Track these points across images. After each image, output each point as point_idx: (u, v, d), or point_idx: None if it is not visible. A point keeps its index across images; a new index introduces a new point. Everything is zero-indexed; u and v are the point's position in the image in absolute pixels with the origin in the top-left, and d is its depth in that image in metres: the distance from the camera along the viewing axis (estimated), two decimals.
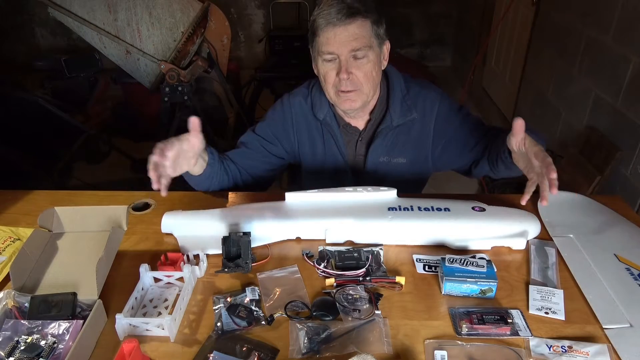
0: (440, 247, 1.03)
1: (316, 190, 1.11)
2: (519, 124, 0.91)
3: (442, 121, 1.23)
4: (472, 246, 1.02)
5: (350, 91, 1.13)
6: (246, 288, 0.91)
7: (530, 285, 0.91)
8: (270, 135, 1.29)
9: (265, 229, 1.05)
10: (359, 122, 1.26)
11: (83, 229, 1.08)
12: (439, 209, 1.06)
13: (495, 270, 0.90)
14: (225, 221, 1.06)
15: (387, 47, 1.18)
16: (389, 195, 1.10)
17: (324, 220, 1.05)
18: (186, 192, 1.26)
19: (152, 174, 0.86)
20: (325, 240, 1.05)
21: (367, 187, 1.11)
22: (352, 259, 0.97)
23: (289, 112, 1.28)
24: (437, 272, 0.95)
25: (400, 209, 1.06)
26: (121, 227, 1.07)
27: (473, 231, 1.03)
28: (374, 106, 1.24)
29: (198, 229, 1.06)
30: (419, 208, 1.07)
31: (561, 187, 1.27)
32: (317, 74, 1.19)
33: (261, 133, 1.29)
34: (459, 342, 0.79)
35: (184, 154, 0.96)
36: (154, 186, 0.86)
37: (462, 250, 1.02)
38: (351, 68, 1.10)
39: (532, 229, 1.05)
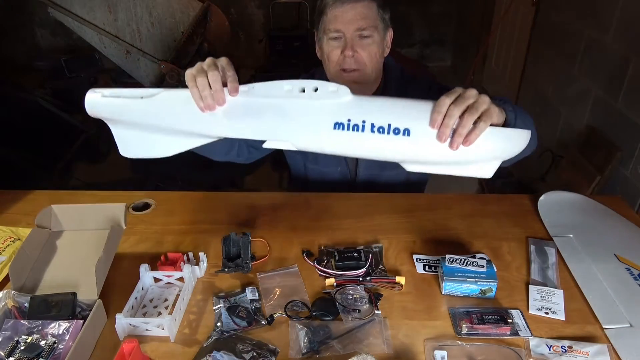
0: (441, 247, 1.03)
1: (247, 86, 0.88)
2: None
3: None
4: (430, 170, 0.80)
5: (353, 70, 1.13)
6: (246, 288, 0.91)
7: (530, 285, 0.91)
8: None
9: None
10: None
11: (82, 227, 1.07)
12: (396, 132, 0.76)
13: (495, 270, 0.90)
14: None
15: (390, 34, 1.19)
16: (339, 100, 0.79)
17: (262, 127, 0.81)
18: (186, 192, 1.26)
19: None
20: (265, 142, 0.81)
21: (311, 85, 0.80)
22: (352, 258, 0.97)
23: None
24: (437, 272, 0.95)
25: (348, 128, 0.78)
26: (120, 225, 1.07)
27: (434, 159, 0.78)
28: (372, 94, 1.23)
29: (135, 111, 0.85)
30: (372, 127, 0.77)
31: (561, 187, 1.27)
32: (321, 57, 1.19)
33: None
34: (459, 342, 0.79)
35: None
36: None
37: (461, 249, 1.02)
38: (356, 47, 1.11)
39: (509, 148, 0.75)
